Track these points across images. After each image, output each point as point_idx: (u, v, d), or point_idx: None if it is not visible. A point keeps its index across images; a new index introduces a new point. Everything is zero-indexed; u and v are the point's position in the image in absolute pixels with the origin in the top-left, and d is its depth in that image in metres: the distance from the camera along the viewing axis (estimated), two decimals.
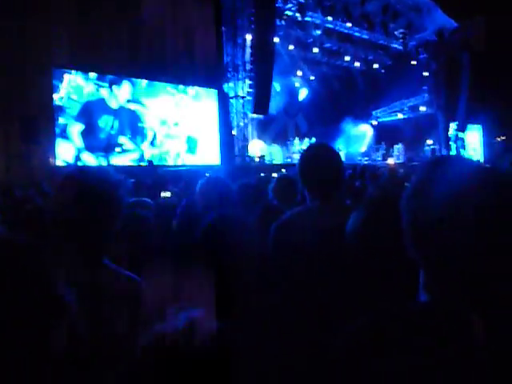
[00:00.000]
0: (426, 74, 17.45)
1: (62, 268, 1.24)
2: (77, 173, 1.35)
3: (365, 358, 0.64)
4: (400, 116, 18.68)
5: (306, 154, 1.78)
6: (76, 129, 10.58)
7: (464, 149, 17.91)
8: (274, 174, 7.68)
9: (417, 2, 15.61)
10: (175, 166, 11.76)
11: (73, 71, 10.60)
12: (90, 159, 10.66)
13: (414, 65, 17.28)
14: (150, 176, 7.64)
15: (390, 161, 16.88)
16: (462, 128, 17.50)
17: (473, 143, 18.47)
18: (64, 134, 10.43)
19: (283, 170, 7.90)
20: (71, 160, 10.41)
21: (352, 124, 18.48)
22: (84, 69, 10.71)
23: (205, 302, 0.85)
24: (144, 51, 10.72)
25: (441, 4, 15.88)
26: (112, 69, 10.98)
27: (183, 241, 1.76)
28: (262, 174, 9.57)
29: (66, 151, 10.42)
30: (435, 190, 0.65)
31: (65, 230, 1.31)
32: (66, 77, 10.52)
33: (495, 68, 15.17)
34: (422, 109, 17.89)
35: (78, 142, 10.59)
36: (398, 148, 17.65)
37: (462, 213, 0.61)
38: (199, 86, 12.81)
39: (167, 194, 4.46)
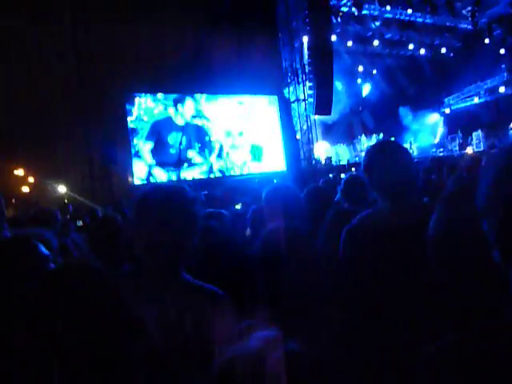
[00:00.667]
0: (502, 51, 15.94)
1: (141, 288, 1.29)
2: (150, 193, 1.38)
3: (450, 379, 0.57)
4: (476, 100, 17.25)
5: (371, 153, 1.68)
6: (147, 147, 11.26)
7: None
8: (342, 175, 7.50)
9: None
10: (242, 176, 11.99)
11: (142, 94, 11.32)
12: (160, 174, 11.27)
13: (487, 43, 15.88)
14: (220, 187, 7.85)
15: (469, 150, 15.65)
16: None
17: None
18: (138, 154, 11.14)
19: (353, 169, 7.66)
20: (144, 176, 11.09)
21: (421, 115, 17.49)
22: (152, 90, 11.39)
23: (266, 321, 0.82)
24: (204, 66, 11.12)
25: None
26: (175, 87, 11.54)
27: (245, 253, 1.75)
28: (331, 176, 9.40)
29: (140, 169, 11.12)
30: None
31: (146, 251, 1.35)
32: (137, 100, 11.26)
33: None
34: (502, 90, 16.35)
35: (149, 159, 11.25)
36: (477, 135, 16.28)
37: None
38: (260, 93, 12.97)
39: (238, 206, 4.52)
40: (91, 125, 10.42)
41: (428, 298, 1.21)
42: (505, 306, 0.60)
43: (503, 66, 16.29)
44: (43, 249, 1.36)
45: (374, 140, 16.62)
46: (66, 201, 8.98)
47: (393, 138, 15.55)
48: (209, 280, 1.45)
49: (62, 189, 10.23)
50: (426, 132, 17.73)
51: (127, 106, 11.06)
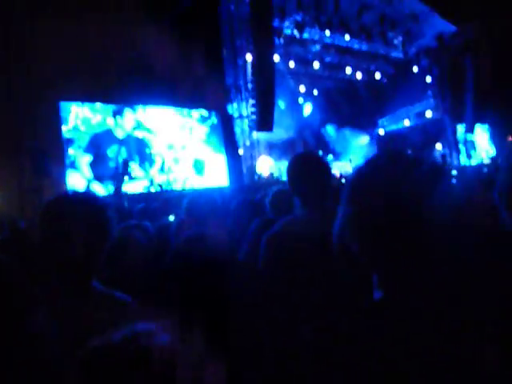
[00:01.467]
0: (428, 79, 17.42)
1: (43, 299, 1.23)
2: (52, 204, 1.35)
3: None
4: (407, 123, 18.59)
5: (293, 162, 1.78)
6: (85, 160, 10.79)
7: (474, 150, 17.68)
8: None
9: (413, 9, 15.71)
10: (184, 190, 11.85)
11: (79, 102, 10.89)
12: (99, 189, 10.83)
13: (416, 71, 17.28)
14: (158, 200, 7.69)
15: None
16: (470, 129, 17.32)
17: (483, 144, 18.22)
18: (74, 165, 10.64)
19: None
20: (82, 190, 10.59)
21: (354, 135, 18.51)
22: (89, 100, 10.99)
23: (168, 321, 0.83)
24: (146, 77, 10.96)
25: (437, 9, 15.96)
26: (115, 98, 11.25)
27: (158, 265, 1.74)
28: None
29: (77, 182, 10.61)
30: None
31: (48, 255, 1.30)
32: (74, 108, 10.81)
33: (499, 66, 15.08)
34: (429, 114, 17.79)
35: (87, 172, 10.79)
36: None
37: None
38: (203, 108, 13.02)
39: (171, 218, 4.47)
40: (23, 133, 9.81)
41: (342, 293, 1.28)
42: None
43: (429, 92, 17.77)
44: None
45: None
46: None
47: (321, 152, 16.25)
48: (125, 287, 1.43)
49: None
50: (359, 151, 18.74)
51: (62, 114, 10.58)
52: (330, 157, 17.58)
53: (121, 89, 10.82)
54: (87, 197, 1.40)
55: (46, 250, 1.33)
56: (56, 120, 10.44)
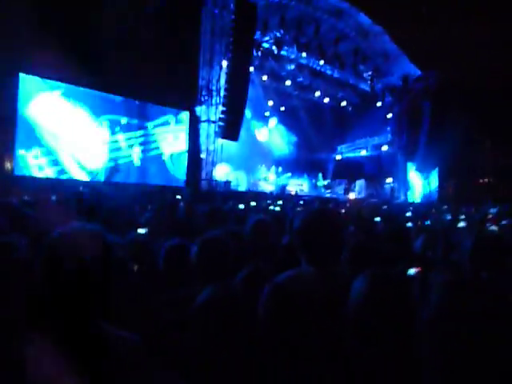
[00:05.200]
0: (389, 115, 18.33)
1: None
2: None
3: None
4: (363, 153, 19.39)
5: (305, 218, 1.75)
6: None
7: (422, 188, 18.86)
8: (253, 203, 7.68)
9: (385, 48, 16.52)
10: (143, 184, 11.53)
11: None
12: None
13: (379, 106, 18.12)
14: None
15: (352, 195, 17.40)
16: (418, 169, 18.46)
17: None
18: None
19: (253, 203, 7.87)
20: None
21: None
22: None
23: None
24: (113, 67, 10.52)
25: (406, 52, 16.94)
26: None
27: None
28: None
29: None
30: None
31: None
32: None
33: (450, 117, 16.23)
34: (385, 148, 18.69)
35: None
36: (360, 184, 18.25)
37: None
38: (173, 106, 12.78)
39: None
40: None
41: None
42: None
43: (388, 128, 18.70)
44: None
45: (272, 171, 17.51)
46: None
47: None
48: None
49: None
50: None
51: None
52: (289, 174, 17.91)
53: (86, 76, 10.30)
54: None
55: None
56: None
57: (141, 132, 12.35)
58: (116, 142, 11.78)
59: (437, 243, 2.89)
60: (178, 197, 7.91)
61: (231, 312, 1.47)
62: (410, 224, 5.12)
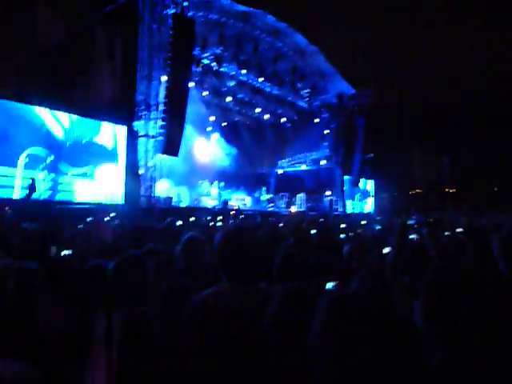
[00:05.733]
0: (326, 131, 19.12)
1: None
2: None
3: None
4: (303, 167, 19.99)
5: (224, 236, 1.79)
6: None
7: (360, 201, 19.78)
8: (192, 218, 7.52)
9: (321, 68, 17.32)
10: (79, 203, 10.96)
11: None
12: None
13: (317, 122, 18.87)
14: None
15: (293, 208, 17.82)
16: (354, 183, 19.43)
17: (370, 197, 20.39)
18: None
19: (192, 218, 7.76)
20: None
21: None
22: None
23: None
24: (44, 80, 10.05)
25: (340, 71, 17.92)
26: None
27: None
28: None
29: None
30: None
31: None
32: None
33: (384, 134, 17.31)
34: (323, 162, 19.41)
35: None
36: (301, 197, 18.74)
37: None
38: (109, 121, 12.38)
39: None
40: None
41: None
42: None
43: (326, 143, 19.49)
44: None
45: (215, 186, 17.46)
46: None
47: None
48: None
49: None
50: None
51: None
52: (231, 189, 17.94)
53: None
54: None
55: None
56: None
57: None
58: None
59: (362, 253, 3.03)
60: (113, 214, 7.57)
61: (144, 338, 1.44)
62: (342, 236, 5.34)
